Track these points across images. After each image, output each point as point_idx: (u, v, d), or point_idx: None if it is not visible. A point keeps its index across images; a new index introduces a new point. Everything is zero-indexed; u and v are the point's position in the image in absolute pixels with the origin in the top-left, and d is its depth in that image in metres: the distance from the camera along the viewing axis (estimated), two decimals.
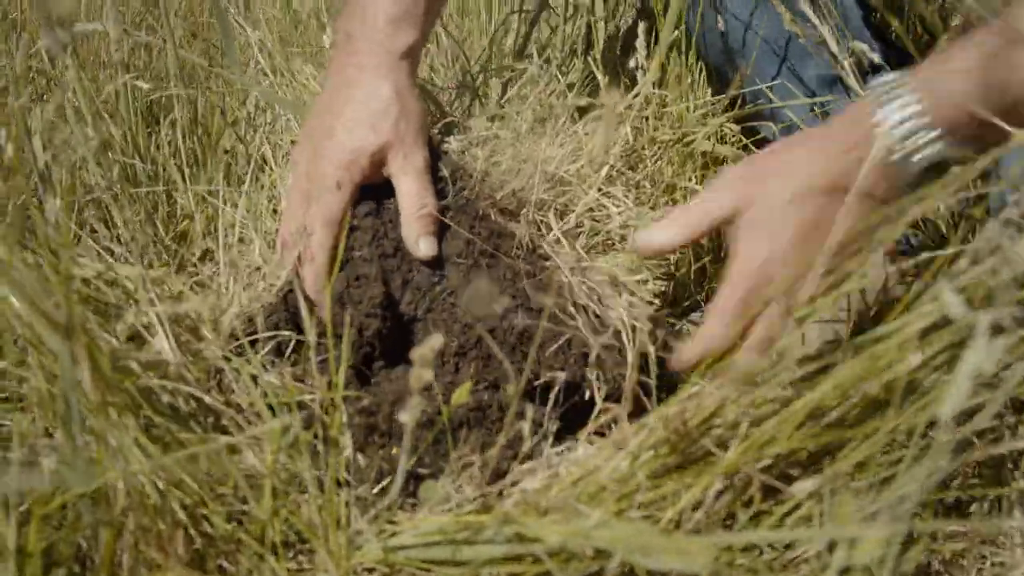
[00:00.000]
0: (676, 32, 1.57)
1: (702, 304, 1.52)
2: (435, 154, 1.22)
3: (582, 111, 1.55)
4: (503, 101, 1.62)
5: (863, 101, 0.99)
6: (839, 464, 0.86)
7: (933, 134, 0.95)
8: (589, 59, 1.68)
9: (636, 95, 1.56)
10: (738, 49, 1.55)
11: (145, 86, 1.48)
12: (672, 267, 1.51)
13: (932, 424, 0.87)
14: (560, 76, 1.65)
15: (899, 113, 0.96)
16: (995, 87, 0.92)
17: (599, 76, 1.62)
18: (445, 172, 1.21)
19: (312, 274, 1.16)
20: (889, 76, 0.99)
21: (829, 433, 0.87)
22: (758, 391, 0.86)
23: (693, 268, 1.54)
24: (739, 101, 1.59)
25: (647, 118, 1.57)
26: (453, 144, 1.30)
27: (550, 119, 1.50)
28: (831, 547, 0.86)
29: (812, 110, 1.48)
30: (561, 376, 1.04)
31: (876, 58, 1.37)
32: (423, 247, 1.15)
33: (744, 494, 0.89)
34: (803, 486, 0.86)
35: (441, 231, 1.18)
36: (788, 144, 1.04)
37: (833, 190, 0.98)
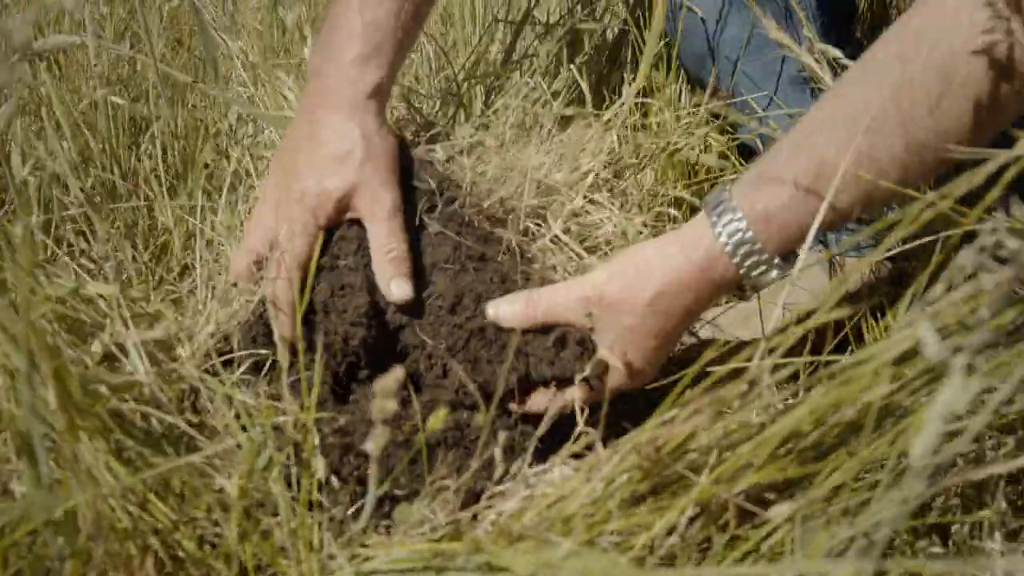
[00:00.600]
0: (660, 43, 1.57)
1: None
2: (423, 166, 1.21)
3: (567, 119, 1.55)
4: (489, 111, 1.62)
5: (702, 217, 1.05)
6: (815, 490, 0.85)
7: (765, 257, 1.02)
8: (573, 68, 1.67)
9: (621, 105, 1.56)
10: (716, 57, 1.55)
11: (121, 101, 1.47)
12: None
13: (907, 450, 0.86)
14: (544, 85, 1.64)
15: (731, 237, 1.02)
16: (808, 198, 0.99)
17: (583, 85, 1.61)
18: (431, 183, 1.20)
19: (282, 315, 1.15)
20: (720, 193, 1.04)
21: (805, 459, 0.86)
22: (732, 417, 0.85)
23: None
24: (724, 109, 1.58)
25: (629, 127, 1.57)
26: (439, 153, 1.30)
27: (535, 127, 1.50)
28: None
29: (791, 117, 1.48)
30: (552, 409, 1.04)
31: (844, 59, 1.37)
32: (395, 290, 1.14)
33: (719, 519, 0.88)
34: (779, 510, 0.85)
35: (428, 239, 1.17)
36: (634, 267, 1.08)
37: (677, 301, 1.06)
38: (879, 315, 1.24)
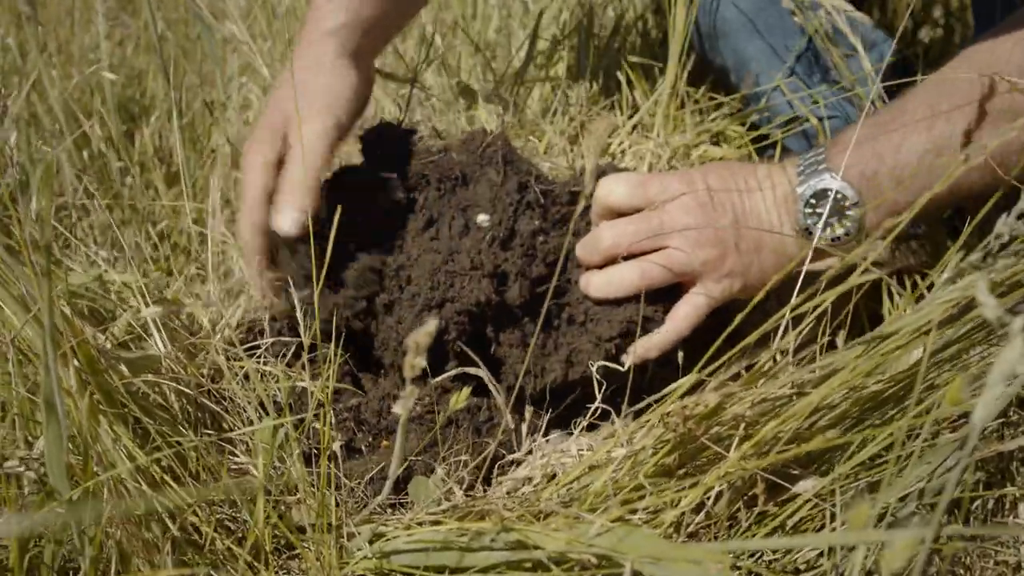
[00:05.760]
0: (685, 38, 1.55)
1: None
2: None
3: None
4: (547, 117, 1.62)
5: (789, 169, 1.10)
6: (844, 464, 0.84)
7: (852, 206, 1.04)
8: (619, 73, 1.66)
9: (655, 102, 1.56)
10: (727, 34, 1.54)
11: (112, 76, 1.45)
12: None
13: (939, 422, 0.85)
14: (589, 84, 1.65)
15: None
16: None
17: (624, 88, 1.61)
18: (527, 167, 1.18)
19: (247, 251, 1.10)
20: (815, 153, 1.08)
21: (835, 432, 0.85)
22: (761, 388, 0.84)
23: None
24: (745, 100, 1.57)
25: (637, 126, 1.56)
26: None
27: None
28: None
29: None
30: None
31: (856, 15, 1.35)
32: (285, 220, 1.06)
33: (746, 493, 0.88)
34: (806, 485, 0.84)
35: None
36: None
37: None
38: (906, 280, 1.23)
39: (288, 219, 1.04)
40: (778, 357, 0.93)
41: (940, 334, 0.83)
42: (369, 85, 1.22)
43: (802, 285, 0.87)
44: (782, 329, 0.87)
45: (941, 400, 0.80)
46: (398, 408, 0.67)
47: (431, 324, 0.64)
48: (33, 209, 0.94)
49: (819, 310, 0.81)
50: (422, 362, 0.65)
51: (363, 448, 1.06)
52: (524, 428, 1.00)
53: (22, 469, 0.81)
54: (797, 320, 0.86)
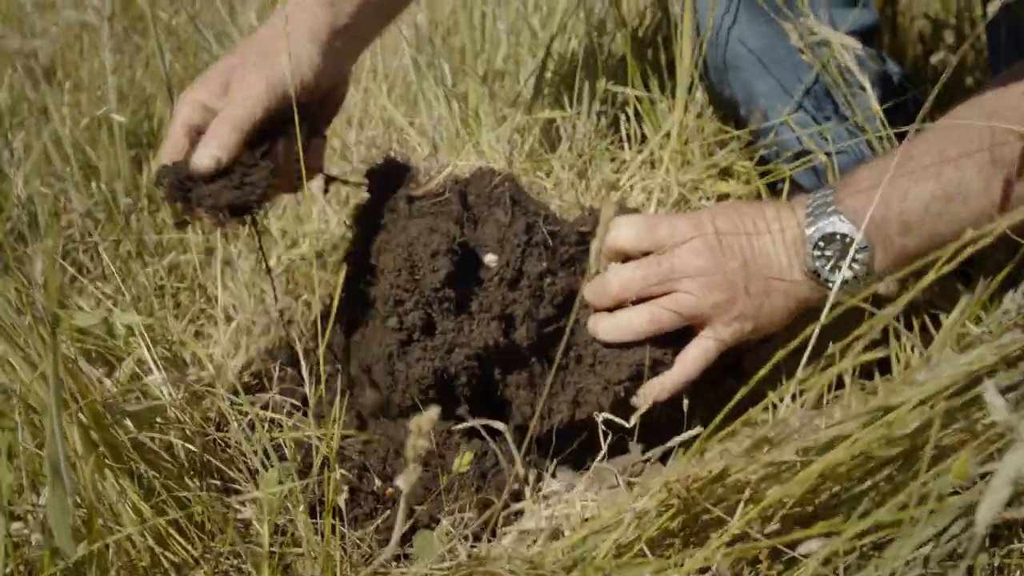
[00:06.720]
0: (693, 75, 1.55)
1: None
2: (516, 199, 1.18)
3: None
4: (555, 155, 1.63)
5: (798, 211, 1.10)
6: (850, 527, 0.84)
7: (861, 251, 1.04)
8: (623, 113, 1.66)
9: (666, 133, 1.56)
10: (737, 68, 1.53)
11: (121, 119, 1.45)
12: None
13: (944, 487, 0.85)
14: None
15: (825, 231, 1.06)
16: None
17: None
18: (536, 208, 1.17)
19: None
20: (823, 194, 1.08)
21: (841, 498, 0.85)
22: (766, 455, 0.84)
23: None
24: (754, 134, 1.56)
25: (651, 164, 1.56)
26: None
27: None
28: None
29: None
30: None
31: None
32: (201, 156, 1.00)
33: (750, 556, 0.87)
34: (810, 547, 0.84)
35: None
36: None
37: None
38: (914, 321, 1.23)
39: (204, 154, 1.00)
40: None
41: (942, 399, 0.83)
42: (337, 75, 1.17)
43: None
44: (787, 399, 0.87)
45: (948, 469, 0.80)
46: (400, 483, 0.68)
47: (433, 411, 0.65)
48: (39, 270, 0.93)
49: (825, 380, 0.81)
50: (425, 444, 0.65)
51: (368, 495, 1.06)
52: (528, 492, 1.00)
53: (27, 531, 0.81)
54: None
